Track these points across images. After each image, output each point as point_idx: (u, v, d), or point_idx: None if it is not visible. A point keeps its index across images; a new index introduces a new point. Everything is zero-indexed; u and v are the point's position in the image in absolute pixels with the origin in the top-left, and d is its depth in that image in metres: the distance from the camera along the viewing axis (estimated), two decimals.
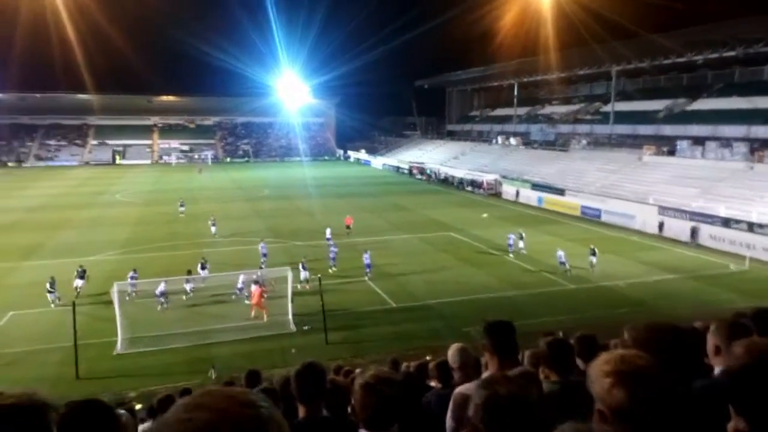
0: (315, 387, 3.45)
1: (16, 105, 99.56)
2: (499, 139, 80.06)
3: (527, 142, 74.69)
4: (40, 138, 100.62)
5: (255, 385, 6.38)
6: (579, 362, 4.04)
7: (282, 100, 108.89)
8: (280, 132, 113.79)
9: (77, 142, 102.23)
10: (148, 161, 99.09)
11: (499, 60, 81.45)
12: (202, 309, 23.17)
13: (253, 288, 22.56)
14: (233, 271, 25.38)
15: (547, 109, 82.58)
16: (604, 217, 43.31)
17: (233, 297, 23.88)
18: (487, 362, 3.91)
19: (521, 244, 32.65)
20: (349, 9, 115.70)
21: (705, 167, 44.41)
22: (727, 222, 34.45)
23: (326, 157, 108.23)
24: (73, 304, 18.81)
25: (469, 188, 62.08)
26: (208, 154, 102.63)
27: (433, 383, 5.83)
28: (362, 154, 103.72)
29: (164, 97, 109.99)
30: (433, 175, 73.22)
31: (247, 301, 22.98)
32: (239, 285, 23.93)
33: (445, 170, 72.05)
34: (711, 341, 2.89)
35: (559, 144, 68.15)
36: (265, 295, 22.68)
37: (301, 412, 3.37)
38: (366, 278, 27.18)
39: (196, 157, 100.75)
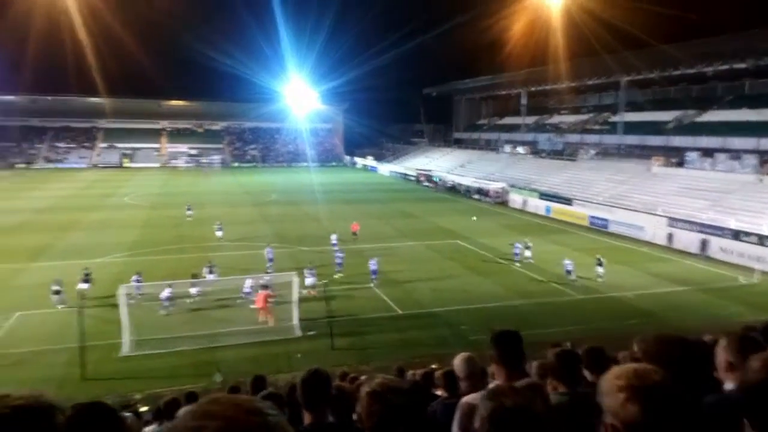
0: (320, 393, 3.45)
1: (27, 107, 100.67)
2: (507, 148, 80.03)
3: (535, 151, 74.59)
4: (49, 140, 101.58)
5: (260, 390, 6.38)
6: (587, 374, 4.02)
7: (290, 106, 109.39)
8: (288, 137, 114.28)
9: (86, 144, 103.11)
10: (157, 165, 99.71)
11: (508, 69, 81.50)
12: (207, 312, 23.21)
13: (259, 292, 22.63)
14: (240, 276, 25.44)
15: (556, 119, 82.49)
16: (612, 228, 43.10)
17: (239, 301, 23.91)
18: (493, 372, 3.89)
19: (528, 253, 32.52)
20: (357, 16, 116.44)
21: (715, 179, 44.15)
22: (737, 234, 34.19)
23: (334, 163, 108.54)
24: (80, 306, 18.91)
25: (476, 196, 62.01)
26: (216, 158, 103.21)
27: (439, 392, 5.81)
28: (369, 161, 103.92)
29: (173, 102, 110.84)
30: (440, 183, 73.23)
31: (252, 306, 23.00)
32: (246, 289, 23.97)
33: (452, 178, 72.06)
34: (722, 356, 2.86)
35: (567, 153, 68.01)
36: (271, 300, 22.70)
37: (307, 418, 3.37)
38: (372, 285, 27.16)
39: (204, 161, 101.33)
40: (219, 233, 36.91)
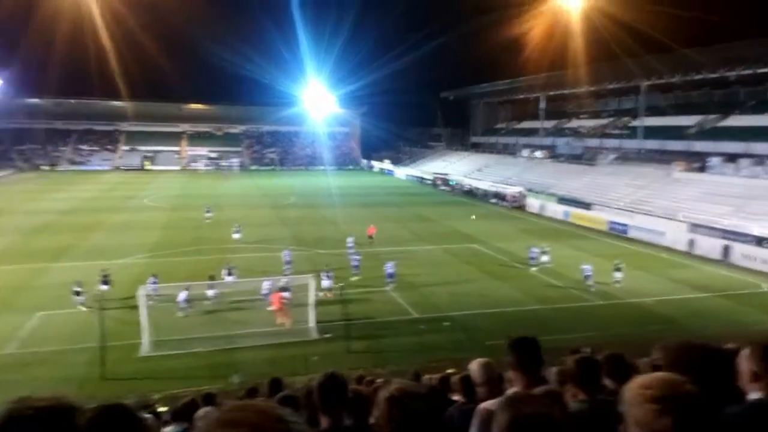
0: (337, 397, 3.47)
1: (52, 110, 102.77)
2: (525, 152, 79.50)
3: (553, 155, 73.98)
4: (73, 143, 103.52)
5: (277, 392, 6.41)
6: (607, 381, 3.97)
7: (308, 110, 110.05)
8: (306, 141, 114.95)
9: (109, 147, 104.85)
10: (177, 167, 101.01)
11: (527, 73, 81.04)
12: (225, 314, 23.40)
13: (273, 293, 22.87)
14: (257, 278, 25.61)
15: (574, 123, 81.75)
16: (631, 233, 42.52)
17: (256, 303, 24.05)
18: (511, 378, 3.87)
19: (545, 257, 32.22)
20: (375, 20, 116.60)
21: (738, 185, 43.35)
22: (760, 241, 33.51)
23: (351, 167, 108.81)
24: (101, 307, 19.21)
25: (494, 200, 61.68)
26: (235, 161, 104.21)
27: (455, 397, 5.78)
28: (386, 164, 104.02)
29: (193, 106, 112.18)
30: (457, 187, 73.00)
31: (268, 308, 23.14)
32: (264, 291, 24.12)
33: (469, 182, 71.77)
34: (745, 365, 2.80)
35: (586, 158, 67.34)
36: (286, 301, 22.84)
37: (324, 422, 3.38)
38: (388, 288, 27.15)
39: (223, 164, 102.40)
40: (236, 236, 37.22)
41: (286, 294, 23.52)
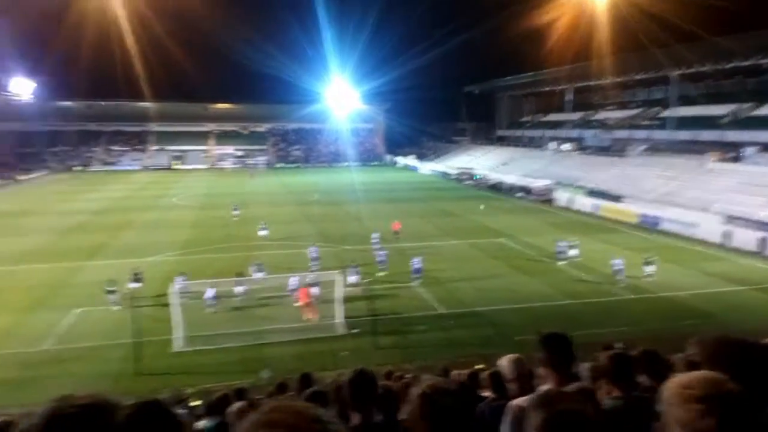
0: (368, 394, 3.49)
1: (84, 112, 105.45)
2: (552, 145, 78.39)
3: (581, 147, 72.77)
4: (104, 143, 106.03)
5: (307, 388, 6.48)
6: (642, 378, 3.90)
7: (331, 107, 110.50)
8: (330, 138, 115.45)
9: (138, 147, 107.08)
10: (205, 166, 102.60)
11: (552, 65, 79.84)
12: (253, 310, 23.73)
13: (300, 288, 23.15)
14: (284, 274, 25.87)
15: (602, 114, 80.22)
16: (663, 226, 41.57)
17: (284, 299, 24.31)
18: (542, 374, 3.82)
19: (574, 251, 31.74)
20: (399, 15, 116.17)
21: None
22: None
23: (375, 163, 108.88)
24: (134, 305, 19.67)
25: (520, 194, 61.00)
26: (261, 159, 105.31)
27: (485, 393, 5.75)
28: (410, 160, 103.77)
29: (220, 105, 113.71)
30: (482, 181, 72.40)
31: (296, 304, 23.37)
32: (291, 287, 24.36)
33: (495, 176, 71.12)
34: None
35: (615, 150, 66.06)
36: (313, 298, 23.05)
37: (355, 418, 3.41)
38: (414, 283, 27.14)
39: (249, 162, 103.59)
40: (262, 233, 37.63)
41: (314, 290, 23.79)
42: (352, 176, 79.39)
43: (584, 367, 4.96)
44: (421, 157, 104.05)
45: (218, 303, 23.45)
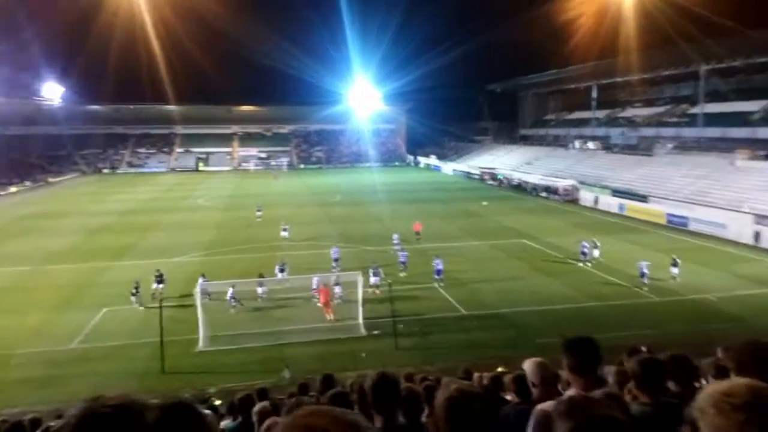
0: (390, 396, 3.45)
1: (111, 116, 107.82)
2: (577, 144, 77.30)
3: (607, 146, 71.64)
4: (131, 146, 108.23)
5: (329, 389, 6.48)
6: (671, 383, 3.77)
7: (353, 108, 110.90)
8: (352, 139, 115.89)
9: (165, 150, 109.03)
10: (229, 168, 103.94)
11: (576, 62, 78.78)
12: (275, 311, 23.92)
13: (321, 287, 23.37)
14: (306, 275, 26.02)
15: (629, 112, 78.85)
16: (692, 226, 40.65)
17: (307, 300, 24.45)
18: (566, 379, 3.73)
19: (596, 252, 31.26)
20: (422, 15, 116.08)
21: None
22: None
23: (396, 163, 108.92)
24: (159, 306, 19.98)
25: (544, 194, 60.32)
26: (284, 160, 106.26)
27: (508, 396, 5.66)
28: (432, 160, 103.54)
29: (243, 107, 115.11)
30: (505, 181, 71.80)
31: (318, 303, 23.49)
32: (314, 287, 24.49)
33: (518, 176, 70.48)
34: None
35: (641, 148, 64.83)
36: (337, 298, 23.14)
37: (378, 421, 3.37)
38: (436, 284, 27.03)
39: (273, 163, 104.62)
40: (284, 233, 37.90)
41: (337, 289, 23.93)
42: (374, 177, 79.55)
43: (609, 371, 4.84)
44: (443, 157, 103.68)
45: (238, 303, 23.68)
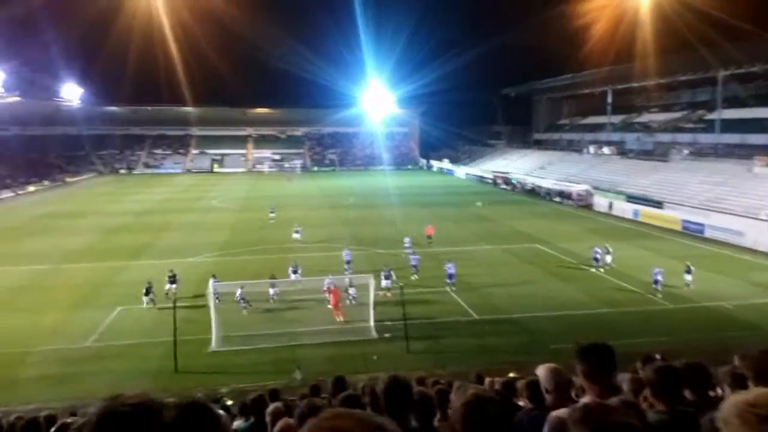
0: (403, 400, 3.46)
1: (128, 117, 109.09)
2: (591, 149, 76.70)
3: (621, 151, 70.98)
4: (148, 147, 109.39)
5: (341, 391, 6.50)
6: (686, 392, 3.74)
7: (367, 111, 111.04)
8: (365, 142, 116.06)
9: (180, 151, 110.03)
10: (244, 169, 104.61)
11: (591, 66, 78.24)
12: (287, 312, 24.00)
13: (332, 288, 23.48)
14: (317, 276, 26.07)
15: (644, 117, 78.08)
16: (708, 233, 40.11)
17: (318, 302, 24.49)
18: (581, 385, 3.71)
19: (608, 258, 30.97)
20: (436, 18, 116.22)
21: None
22: None
23: (409, 167, 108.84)
24: (173, 306, 20.14)
25: (557, 199, 59.90)
26: (298, 163, 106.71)
27: (521, 402, 5.64)
28: (445, 164, 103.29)
29: (258, 110, 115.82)
30: (519, 185, 71.42)
31: (329, 305, 23.53)
32: (325, 287, 24.54)
33: (532, 180, 70.07)
34: None
35: (657, 154, 64.15)
36: (352, 300, 23.16)
37: None
38: (448, 288, 26.94)
39: (286, 165, 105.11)
40: (296, 236, 38.01)
41: (352, 290, 23.98)
42: (387, 180, 79.55)
43: (624, 378, 4.80)
44: (456, 160, 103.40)
45: (247, 304, 23.77)
